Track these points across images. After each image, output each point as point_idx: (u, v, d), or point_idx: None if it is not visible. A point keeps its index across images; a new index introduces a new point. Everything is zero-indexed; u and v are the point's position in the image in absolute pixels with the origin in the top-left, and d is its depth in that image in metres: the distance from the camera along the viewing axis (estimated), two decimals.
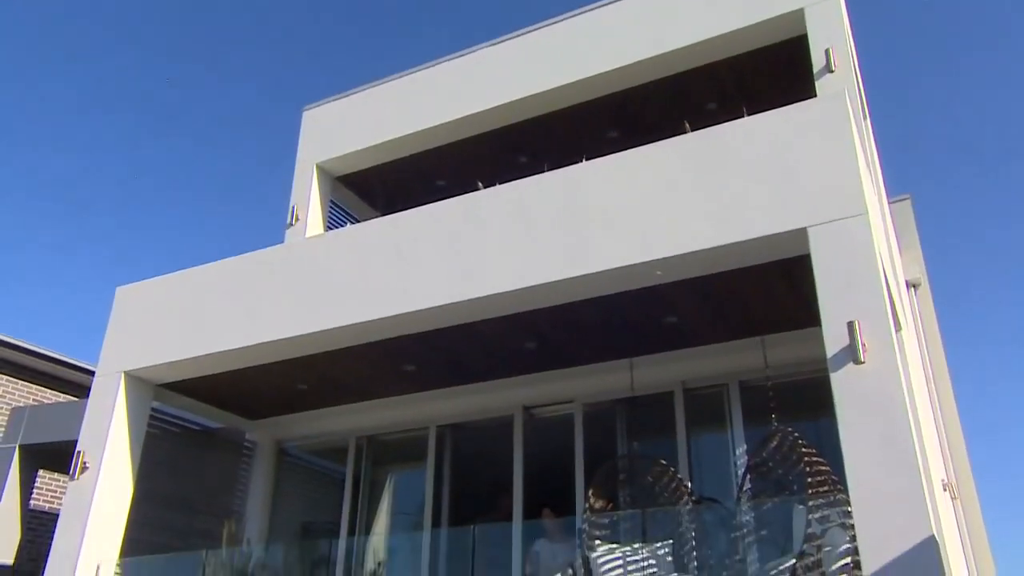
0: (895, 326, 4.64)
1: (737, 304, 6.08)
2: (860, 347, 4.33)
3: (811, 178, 4.97)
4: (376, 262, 6.31)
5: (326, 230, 9.10)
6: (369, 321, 6.07)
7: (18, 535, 9.45)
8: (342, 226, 9.53)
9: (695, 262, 5.22)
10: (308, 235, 8.65)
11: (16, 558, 9.38)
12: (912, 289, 9.58)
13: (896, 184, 10.23)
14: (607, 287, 5.58)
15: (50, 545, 6.49)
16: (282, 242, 8.65)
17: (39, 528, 10.58)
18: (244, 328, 6.52)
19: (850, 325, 4.39)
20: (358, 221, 9.71)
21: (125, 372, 6.86)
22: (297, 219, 8.91)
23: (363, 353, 6.66)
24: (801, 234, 4.81)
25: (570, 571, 6.18)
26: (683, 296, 5.86)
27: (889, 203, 8.74)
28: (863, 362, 4.31)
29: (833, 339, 4.45)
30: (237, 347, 6.50)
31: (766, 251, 5.09)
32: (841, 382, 4.36)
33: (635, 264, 5.29)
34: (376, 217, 8.78)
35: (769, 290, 5.81)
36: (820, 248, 4.70)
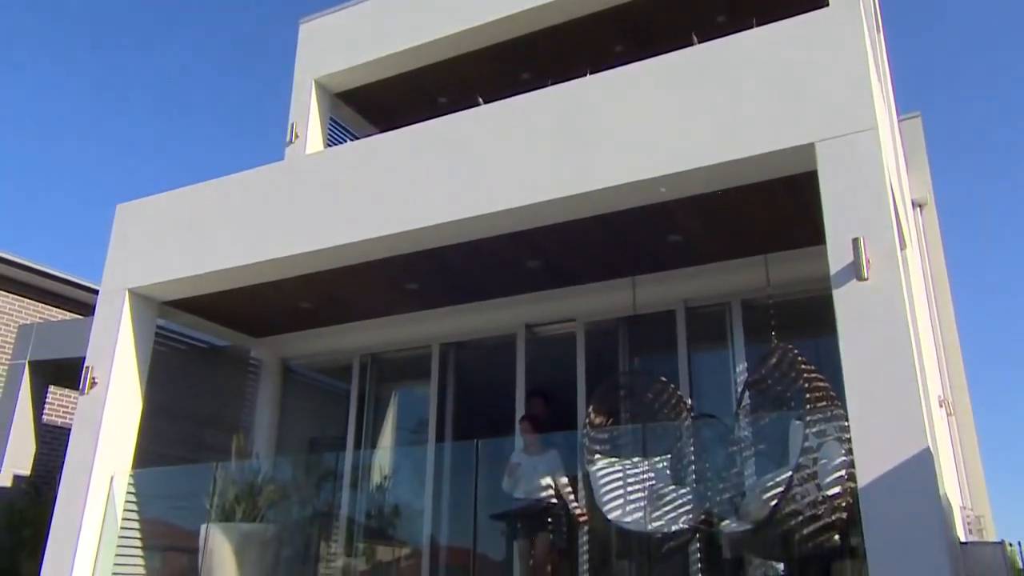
0: (900, 244, 4.61)
1: (741, 222, 6.03)
2: (864, 263, 4.31)
3: (820, 92, 4.85)
4: (376, 179, 6.25)
5: (326, 148, 8.98)
6: (370, 239, 6.05)
7: (33, 448, 9.69)
8: (342, 144, 9.40)
9: (699, 178, 5.16)
10: (308, 152, 8.54)
11: (32, 470, 9.65)
12: (918, 209, 9.51)
13: (906, 102, 10.02)
14: (610, 204, 5.53)
15: (64, 457, 6.65)
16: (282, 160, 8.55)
17: (53, 442, 10.84)
18: (245, 246, 6.51)
19: (855, 242, 4.36)
20: (358, 139, 9.57)
21: (129, 290, 6.89)
22: (297, 137, 8.78)
23: (365, 271, 6.66)
24: (808, 149, 4.73)
25: (548, 480, 6.33)
26: (687, 214, 5.82)
27: (899, 121, 8.58)
28: (866, 279, 4.30)
29: (837, 256, 4.42)
30: (238, 265, 6.50)
31: (772, 167, 5.01)
32: (843, 298, 4.36)
33: (638, 181, 5.22)
34: (376, 134, 8.65)
35: (774, 207, 5.76)
36: (827, 163, 4.63)
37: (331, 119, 9.36)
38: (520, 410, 7.30)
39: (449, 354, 8.24)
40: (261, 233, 6.52)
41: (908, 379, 4.12)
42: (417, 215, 5.90)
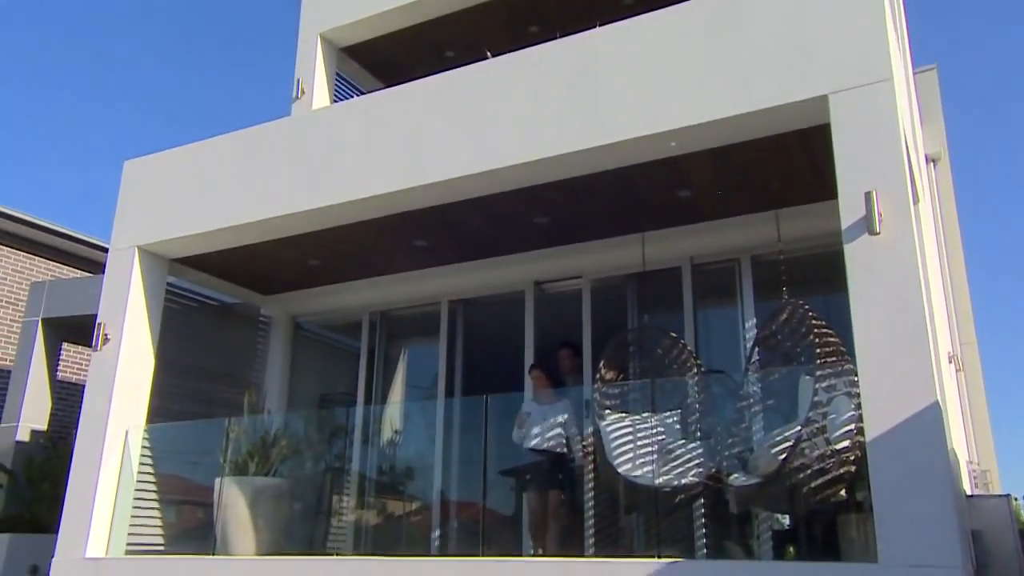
0: (913, 198, 4.55)
1: (752, 177, 5.97)
2: (876, 218, 4.26)
3: (835, 42, 4.75)
4: (384, 135, 6.20)
5: (333, 104, 8.89)
6: (377, 195, 6.02)
7: (49, 404, 9.82)
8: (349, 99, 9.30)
9: (710, 132, 5.09)
10: (314, 108, 8.46)
11: (48, 425, 9.79)
12: (931, 164, 9.39)
13: (922, 55, 9.82)
14: (619, 159, 5.48)
15: (79, 413, 6.74)
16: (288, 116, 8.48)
17: (68, 398, 10.98)
18: (252, 203, 6.50)
19: (867, 195, 4.31)
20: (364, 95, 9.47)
21: (138, 247, 6.90)
22: (303, 92, 8.69)
23: (373, 228, 6.65)
24: (822, 102, 4.65)
25: (560, 429, 6.37)
26: (697, 168, 5.76)
27: (914, 73, 8.42)
28: (878, 233, 4.26)
29: (849, 209, 4.38)
30: (245, 222, 6.49)
31: (785, 120, 4.94)
32: (855, 253, 4.32)
33: (648, 135, 5.16)
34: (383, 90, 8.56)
35: (785, 161, 5.69)
36: (841, 116, 4.55)
37: (337, 75, 9.25)
38: (530, 365, 7.32)
39: (458, 311, 8.26)
40: (268, 189, 6.50)
41: (918, 334, 4.11)
42: (424, 171, 5.86)
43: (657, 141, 5.20)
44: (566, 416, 6.42)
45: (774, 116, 4.88)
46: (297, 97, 8.66)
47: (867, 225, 4.29)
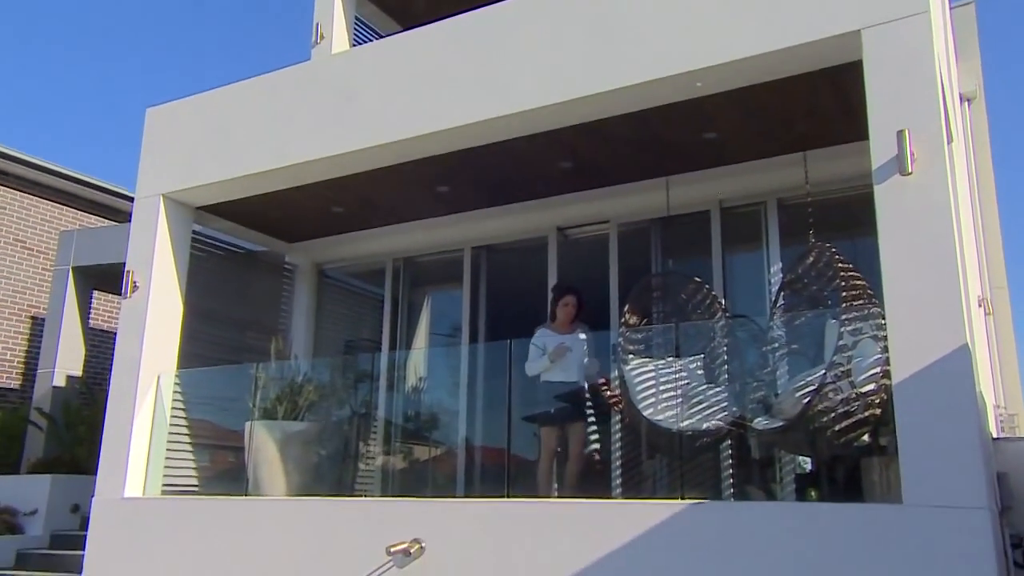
0: (947, 138, 4.43)
1: (780, 117, 5.84)
2: (908, 157, 4.16)
3: None
4: (404, 78, 6.12)
5: (352, 48, 8.78)
6: (398, 140, 5.97)
7: (82, 350, 10.05)
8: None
9: (738, 71, 4.96)
10: (334, 52, 8.36)
11: (83, 371, 10.04)
12: (966, 103, 9.11)
13: None
14: (644, 101, 5.37)
15: (112, 359, 6.88)
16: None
17: (100, 345, 11.22)
18: (272, 149, 6.48)
19: (900, 134, 4.20)
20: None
21: (163, 195, 6.94)
22: (322, 37, 8.57)
23: (395, 174, 6.62)
24: (853, 37, 4.51)
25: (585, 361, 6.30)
26: (723, 109, 5.64)
27: (951, 8, 8.12)
28: (910, 173, 4.16)
29: (880, 149, 4.27)
30: (266, 169, 6.48)
31: (815, 58, 4.80)
32: (885, 194, 4.23)
33: (673, 75, 5.05)
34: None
35: (814, 101, 5.56)
36: (874, 51, 4.41)
37: (356, 18, 9.10)
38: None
39: (481, 257, 8.26)
40: (288, 136, 6.47)
41: (948, 276, 4.04)
42: (446, 115, 5.80)
43: (681, 82, 5.08)
44: (590, 352, 6.35)
45: (803, 53, 4.74)
46: (316, 42, 8.55)
47: (899, 165, 4.19)
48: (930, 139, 4.20)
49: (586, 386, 6.36)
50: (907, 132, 4.19)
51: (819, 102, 5.55)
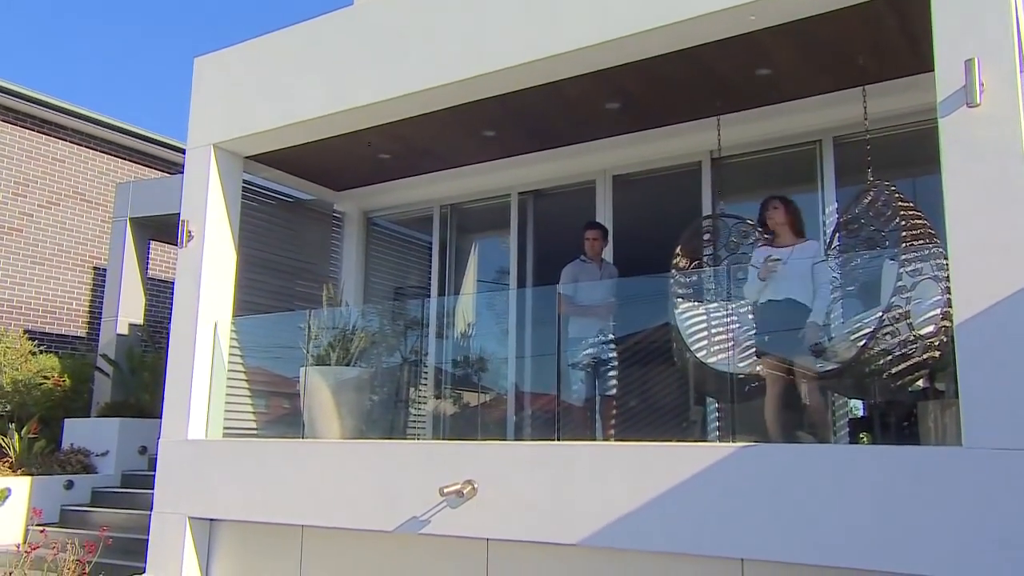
0: (1021, 67, 4.19)
1: (838, 50, 5.61)
2: (977, 88, 3.95)
3: None
4: (449, 20, 6.01)
5: None
6: (444, 84, 5.89)
7: (143, 299, 10.36)
8: None
9: (795, 2, 4.75)
10: None
11: (144, 319, 10.36)
12: None
13: None
14: (694, 37, 5.19)
15: (170, 307, 7.07)
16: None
17: (159, 295, 11.55)
18: (317, 97, 6.46)
19: (968, 63, 3.98)
20: None
21: (213, 145, 7.01)
22: None
23: (441, 119, 6.56)
24: None
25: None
26: (778, 44, 5.43)
27: None
28: (978, 105, 3.95)
29: (946, 80, 4.06)
30: (312, 117, 6.46)
31: None
32: (951, 127, 4.04)
33: (725, 8, 4.85)
34: None
35: (875, 33, 5.31)
36: None
37: None
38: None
39: (528, 203, 8.21)
40: (333, 83, 6.44)
41: (1017, 213, 3.87)
42: (491, 56, 5.69)
43: (734, 15, 4.88)
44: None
45: None
46: None
47: (966, 96, 3.98)
48: (1002, 69, 3.97)
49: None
50: (976, 61, 3.97)
51: (880, 33, 5.30)
